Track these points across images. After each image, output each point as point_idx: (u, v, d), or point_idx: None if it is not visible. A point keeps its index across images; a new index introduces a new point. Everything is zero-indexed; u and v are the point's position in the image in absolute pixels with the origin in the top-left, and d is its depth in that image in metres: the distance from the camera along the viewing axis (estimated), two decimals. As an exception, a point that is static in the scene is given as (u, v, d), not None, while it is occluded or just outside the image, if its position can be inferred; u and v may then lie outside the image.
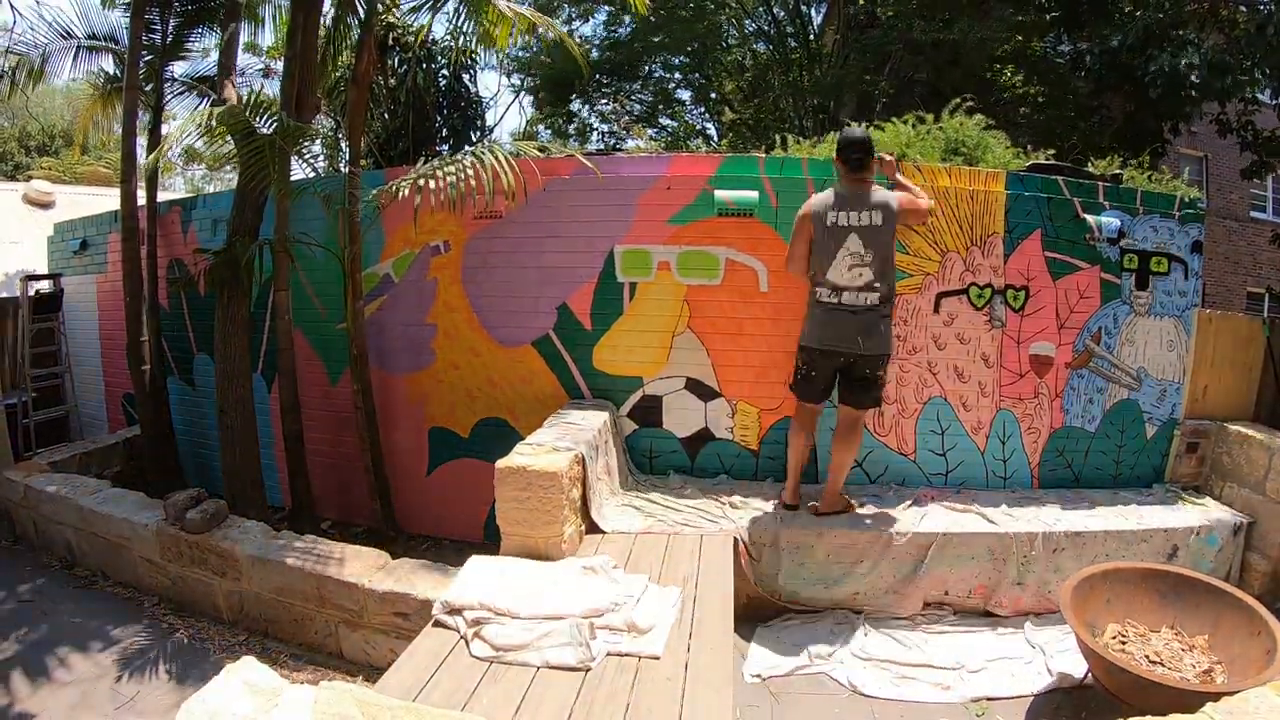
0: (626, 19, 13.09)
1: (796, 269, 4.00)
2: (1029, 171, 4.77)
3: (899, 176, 4.13)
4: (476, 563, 3.18)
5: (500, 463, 3.33)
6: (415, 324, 5.19)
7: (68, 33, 6.54)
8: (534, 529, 3.30)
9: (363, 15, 5.42)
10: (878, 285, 3.72)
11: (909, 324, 4.58)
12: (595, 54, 14.61)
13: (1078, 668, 3.35)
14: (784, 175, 4.56)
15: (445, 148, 9.65)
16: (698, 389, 4.73)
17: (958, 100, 5.65)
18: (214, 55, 6.23)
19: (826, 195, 3.81)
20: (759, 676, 3.43)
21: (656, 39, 13.09)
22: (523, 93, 15.92)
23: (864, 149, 3.80)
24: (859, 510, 4.10)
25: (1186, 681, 2.93)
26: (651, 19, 11.36)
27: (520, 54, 14.22)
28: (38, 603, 4.26)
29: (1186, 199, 4.81)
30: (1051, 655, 3.56)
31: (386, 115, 9.40)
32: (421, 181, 4.39)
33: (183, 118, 5.26)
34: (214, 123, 4.12)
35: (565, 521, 3.35)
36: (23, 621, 4.03)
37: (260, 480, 5.15)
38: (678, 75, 15.39)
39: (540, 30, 5.48)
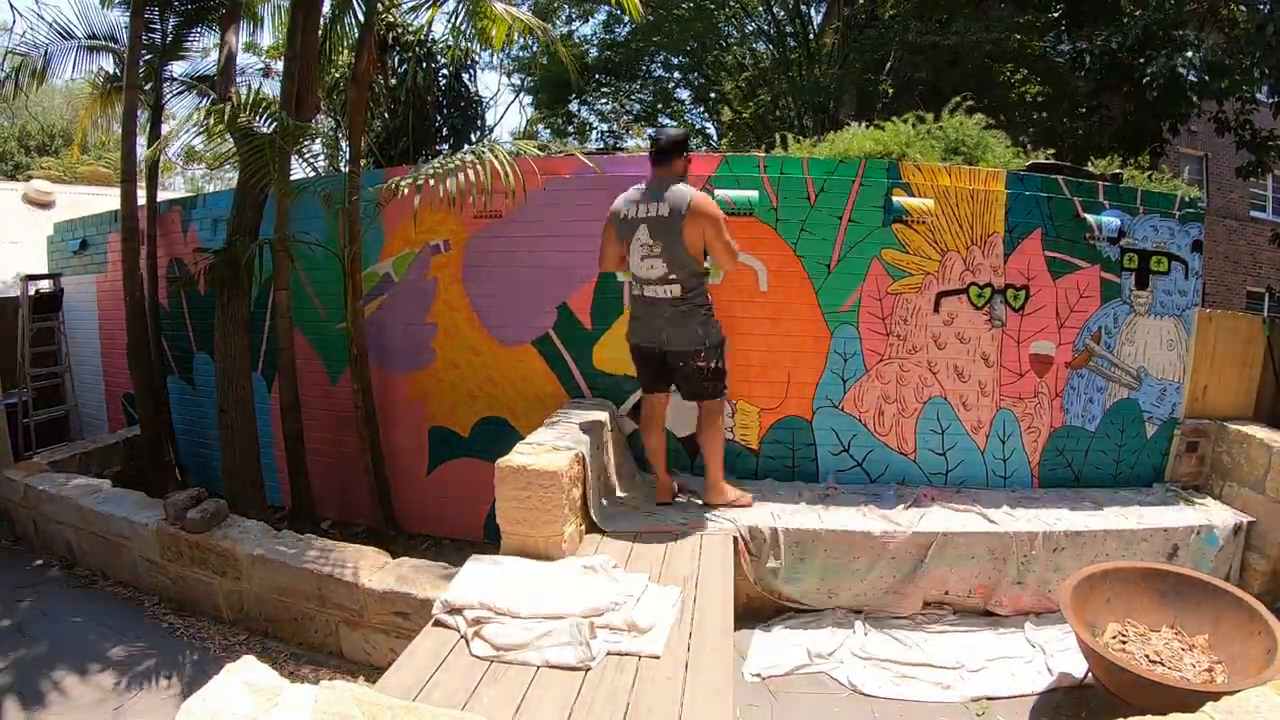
0: (626, 19, 13.09)
1: (604, 266, 4.07)
2: (1029, 171, 4.78)
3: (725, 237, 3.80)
4: (476, 562, 3.18)
5: (500, 462, 3.33)
6: (415, 323, 5.19)
7: (67, 33, 6.54)
8: (534, 528, 3.29)
9: (362, 15, 5.42)
10: (673, 276, 3.69)
11: (909, 323, 4.58)
12: (594, 53, 14.61)
13: (1078, 667, 3.35)
14: (784, 174, 4.55)
15: (445, 147, 9.64)
16: (698, 388, 4.72)
17: (957, 100, 5.65)
18: (214, 55, 6.23)
19: (630, 192, 3.83)
20: (759, 675, 3.43)
21: (655, 39, 13.09)
22: (522, 92, 15.92)
23: (667, 147, 3.78)
24: (753, 506, 4.10)
25: (1187, 681, 2.93)
26: (650, 19, 11.36)
27: (520, 54, 14.23)
28: (37, 602, 4.26)
29: (1186, 198, 4.82)
30: (1052, 655, 3.56)
31: (386, 115, 9.39)
32: (422, 180, 4.39)
33: (182, 117, 5.26)
34: (213, 120, 4.12)
35: (565, 521, 3.34)
36: (22, 622, 4.02)
37: (260, 480, 5.15)
38: (677, 75, 15.39)
39: (537, 34, 5.49)
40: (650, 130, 4.19)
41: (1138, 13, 6.42)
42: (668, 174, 3.77)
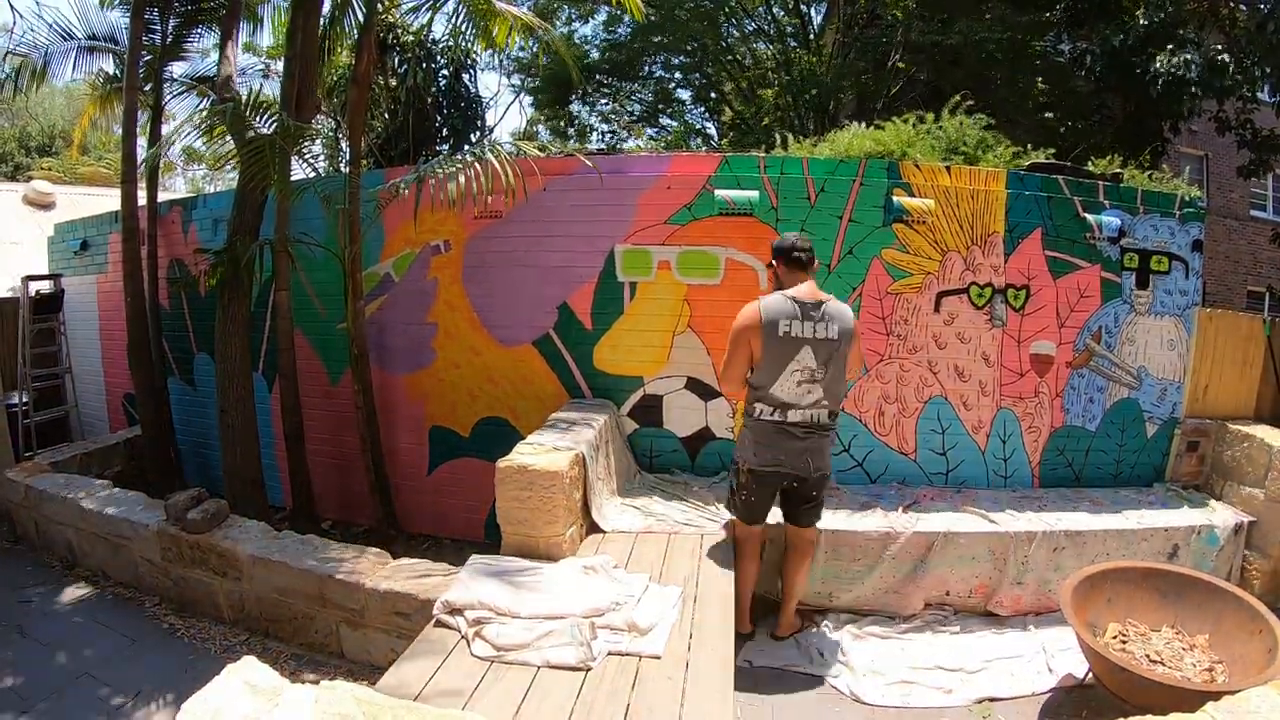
0: (625, 19, 13.09)
1: (730, 387, 3.50)
2: (1029, 171, 4.78)
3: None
4: (477, 562, 3.18)
5: (501, 462, 3.33)
6: (416, 323, 5.19)
7: (68, 34, 6.54)
8: (535, 528, 3.29)
9: (362, 16, 5.42)
10: (825, 403, 3.30)
11: (909, 323, 4.58)
12: (595, 54, 14.61)
13: (1079, 667, 3.35)
14: (784, 174, 4.56)
15: (445, 148, 9.64)
16: (698, 388, 4.73)
17: (957, 99, 5.65)
18: (213, 56, 6.23)
19: (780, 301, 3.29)
20: (749, 662, 3.44)
21: (656, 39, 13.09)
22: (523, 93, 15.92)
23: (811, 250, 3.43)
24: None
25: (1188, 681, 2.93)
26: (650, 18, 11.36)
27: (520, 54, 14.22)
28: (38, 603, 4.26)
29: (1186, 198, 4.82)
30: (1053, 655, 3.56)
31: (386, 115, 9.39)
32: (422, 180, 4.39)
33: (182, 118, 5.27)
34: (214, 120, 4.12)
35: (566, 521, 3.34)
36: (23, 623, 4.03)
37: (261, 480, 5.15)
38: (678, 75, 15.38)
39: (538, 33, 5.49)
40: (791, 236, 3.34)
41: (1139, 12, 6.42)
42: (810, 282, 3.35)
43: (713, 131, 16.85)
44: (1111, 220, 4.57)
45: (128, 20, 5.90)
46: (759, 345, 3.26)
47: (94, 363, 7.33)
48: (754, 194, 4.52)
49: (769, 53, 13.53)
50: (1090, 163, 5.44)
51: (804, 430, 3.29)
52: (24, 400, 6.66)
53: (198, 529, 4.01)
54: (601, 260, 4.74)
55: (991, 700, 3.30)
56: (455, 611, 2.76)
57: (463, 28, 5.31)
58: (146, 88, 6.33)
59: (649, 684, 2.40)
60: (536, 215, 4.82)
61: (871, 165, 4.57)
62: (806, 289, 3.29)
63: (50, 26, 6.43)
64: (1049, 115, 8.40)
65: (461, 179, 4.32)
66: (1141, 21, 6.31)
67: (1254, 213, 13.71)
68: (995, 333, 4.60)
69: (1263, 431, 4.41)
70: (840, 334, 3.24)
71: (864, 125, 5.76)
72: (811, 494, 3.44)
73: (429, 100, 9.28)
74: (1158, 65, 6.14)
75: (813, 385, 3.25)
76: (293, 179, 4.97)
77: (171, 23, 6.38)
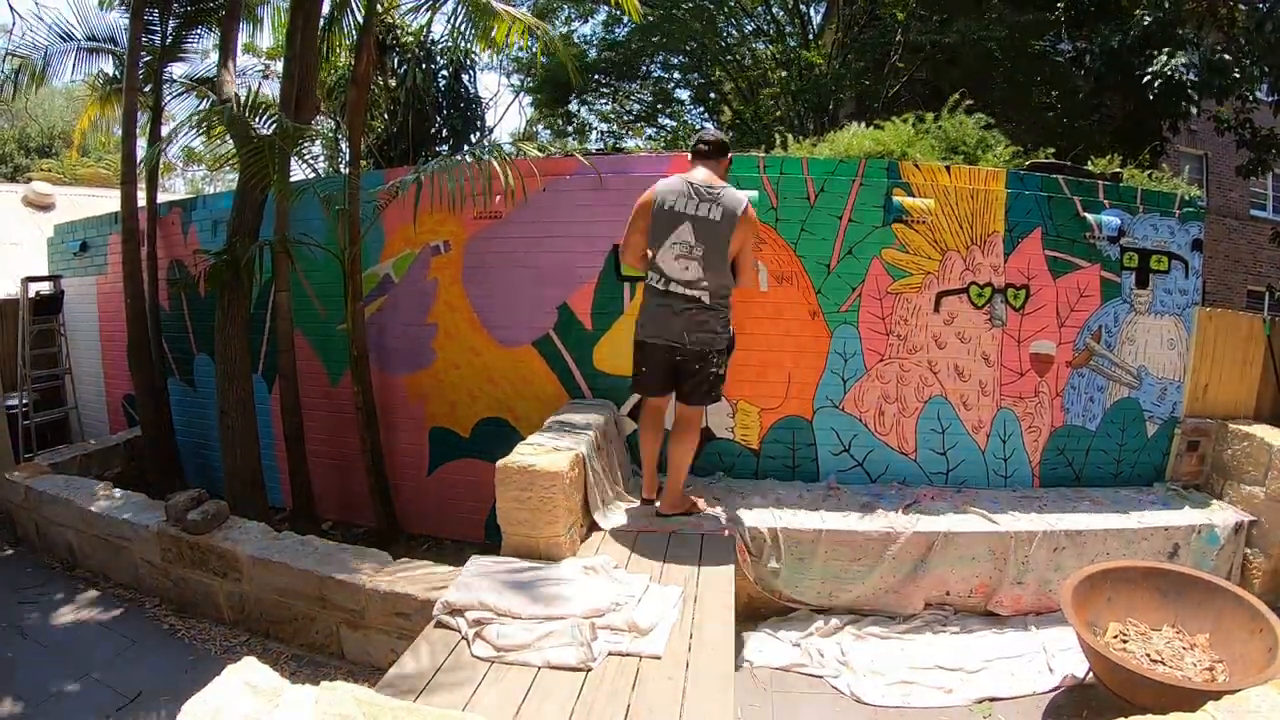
0: (625, 19, 13.09)
1: (629, 259, 3.79)
2: (1029, 170, 4.77)
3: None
4: (477, 563, 3.18)
5: (501, 462, 3.33)
6: (416, 324, 5.19)
7: (67, 35, 6.54)
8: (535, 528, 3.29)
9: (361, 16, 5.42)
10: (705, 283, 3.52)
11: (909, 323, 4.58)
12: (594, 53, 14.60)
13: (1079, 667, 3.35)
14: (784, 174, 4.55)
15: (445, 148, 9.64)
16: (698, 389, 4.72)
17: (955, 98, 5.65)
18: (213, 56, 6.24)
19: (675, 182, 3.57)
20: (750, 662, 3.44)
21: (655, 39, 13.08)
22: (522, 93, 15.91)
23: (719, 142, 3.71)
24: (707, 510, 3.96)
25: (1188, 680, 2.93)
26: (650, 19, 11.36)
27: (520, 55, 14.22)
28: (38, 604, 4.26)
29: (1186, 197, 4.81)
30: (1053, 654, 3.56)
31: (386, 116, 9.39)
32: (423, 179, 4.39)
33: (183, 117, 5.26)
34: (213, 120, 4.12)
35: (566, 521, 3.34)
36: (23, 624, 4.03)
37: (261, 481, 5.15)
38: (677, 75, 15.38)
39: (536, 33, 5.50)
40: (706, 125, 3.98)
41: (1137, 11, 6.42)
42: (717, 172, 3.61)
43: (712, 131, 16.83)
44: (1111, 220, 4.57)
45: (127, 21, 5.90)
46: (649, 219, 3.57)
47: (94, 364, 7.33)
48: (753, 194, 4.50)
49: (768, 52, 13.53)
50: (1090, 162, 5.44)
51: (682, 303, 3.53)
52: (24, 401, 6.66)
53: (198, 530, 4.01)
54: (601, 260, 4.74)
55: (992, 700, 3.30)
56: (456, 612, 2.76)
57: (462, 28, 5.31)
58: (146, 89, 6.34)
59: (649, 684, 2.40)
60: (536, 216, 4.82)
61: (871, 165, 4.57)
62: (703, 174, 3.57)
63: (50, 28, 6.43)
64: (1048, 115, 8.40)
65: (462, 181, 4.33)
66: (1143, 21, 6.31)
67: (1254, 212, 13.72)
68: (995, 332, 4.60)
69: (1263, 431, 4.41)
70: (724, 217, 3.46)
71: (863, 125, 5.76)
72: (694, 368, 3.62)
73: (428, 100, 9.29)
74: (1155, 67, 6.14)
75: (689, 261, 3.49)
76: (292, 180, 4.97)
77: (171, 24, 6.38)
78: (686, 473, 3.90)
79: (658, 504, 3.91)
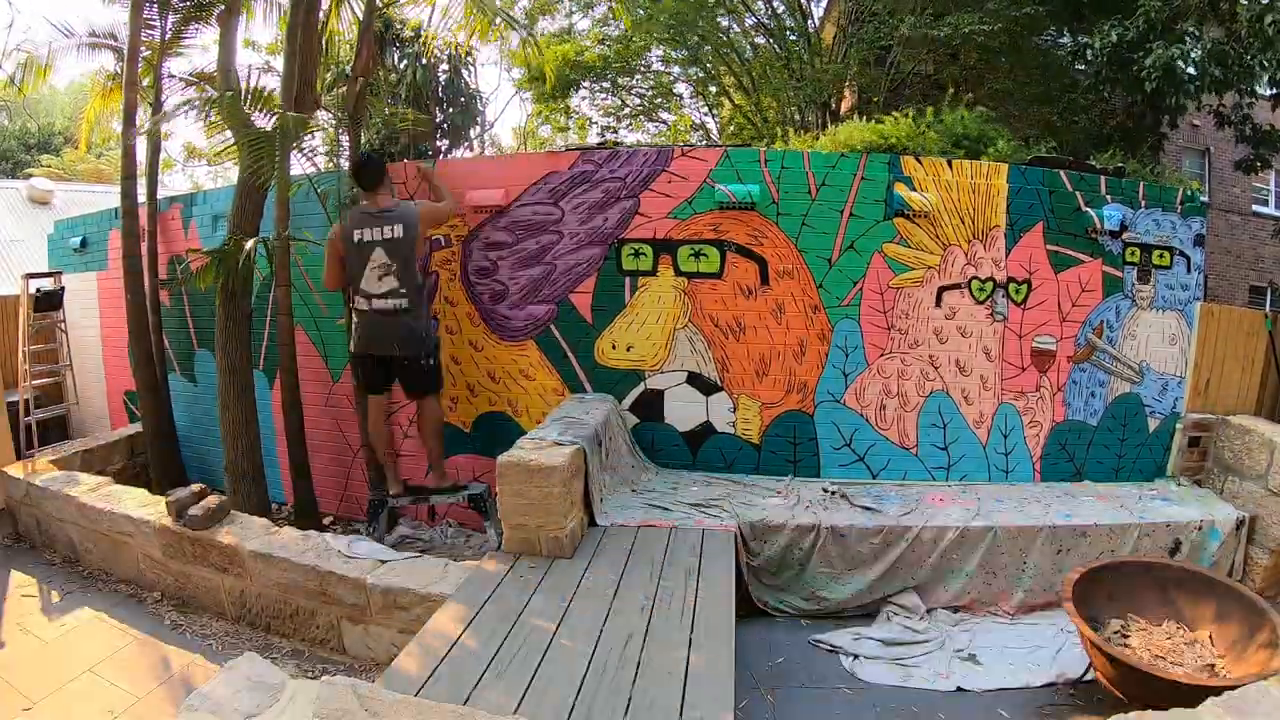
0: (621, 20, 13.05)
1: (331, 286, 4.55)
2: (1031, 164, 4.76)
3: (434, 180, 4.69)
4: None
5: (502, 457, 3.33)
6: (416, 320, 5.18)
7: (68, 31, 6.53)
8: (536, 523, 3.30)
9: (361, 11, 5.41)
10: (403, 290, 4.16)
11: (910, 317, 4.57)
12: (596, 49, 14.52)
13: (1080, 661, 3.35)
14: (785, 168, 4.54)
15: (445, 143, 9.63)
16: (699, 383, 4.73)
17: (953, 92, 5.63)
18: (213, 51, 6.22)
19: (357, 215, 4.22)
20: (750, 658, 3.44)
21: (655, 35, 13.03)
22: (521, 90, 15.85)
23: (377, 166, 4.26)
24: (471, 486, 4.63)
25: (1189, 675, 2.93)
26: (642, 12, 11.34)
27: (517, 49, 14.15)
28: (40, 601, 4.27)
29: (1188, 192, 4.80)
30: (1054, 649, 3.56)
31: (386, 110, 9.38)
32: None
33: (183, 101, 5.25)
34: (212, 109, 4.13)
35: (567, 515, 3.35)
36: (24, 621, 4.03)
37: (262, 476, 5.15)
38: (676, 69, 15.32)
39: (521, 34, 5.53)
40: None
41: (1138, 7, 6.38)
42: (388, 191, 4.26)
43: (712, 126, 16.80)
44: (1113, 214, 4.55)
45: (127, 17, 5.89)
46: (343, 251, 4.25)
47: (95, 360, 7.33)
48: (754, 187, 4.50)
49: (768, 46, 13.49)
50: (1091, 157, 5.43)
51: (389, 316, 4.18)
52: (25, 397, 6.66)
53: (199, 525, 4.01)
54: (602, 255, 4.74)
55: (991, 691, 3.29)
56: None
57: (457, 27, 5.32)
58: (145, 84, 6.32)
59: (650, 678, 2.40)
60: (536, 210, 4.81)
61: (872, 159, 4.56)
62: (377, 200, 4.20)
63: (52, 25, 6.43)
64: (1048, 109, 8.37)
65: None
66: (1148, 11, 6.27)
67: (1256, 208, 13.67)
68: (996, 327, 4.59)
69: (1264, 426, 4.40)
70: (405, 230, 4.11)
71: (864, 119, 5.75)
72: (410, 369, 4.34)
73: (428, 95, 9.27)
74: (1151, 60, 6.11)
75: (388, 276, 4.13)
76: (292, 174, 4.96)
77: (171, 19, 6.36)
78: (442, 449, 4.61)
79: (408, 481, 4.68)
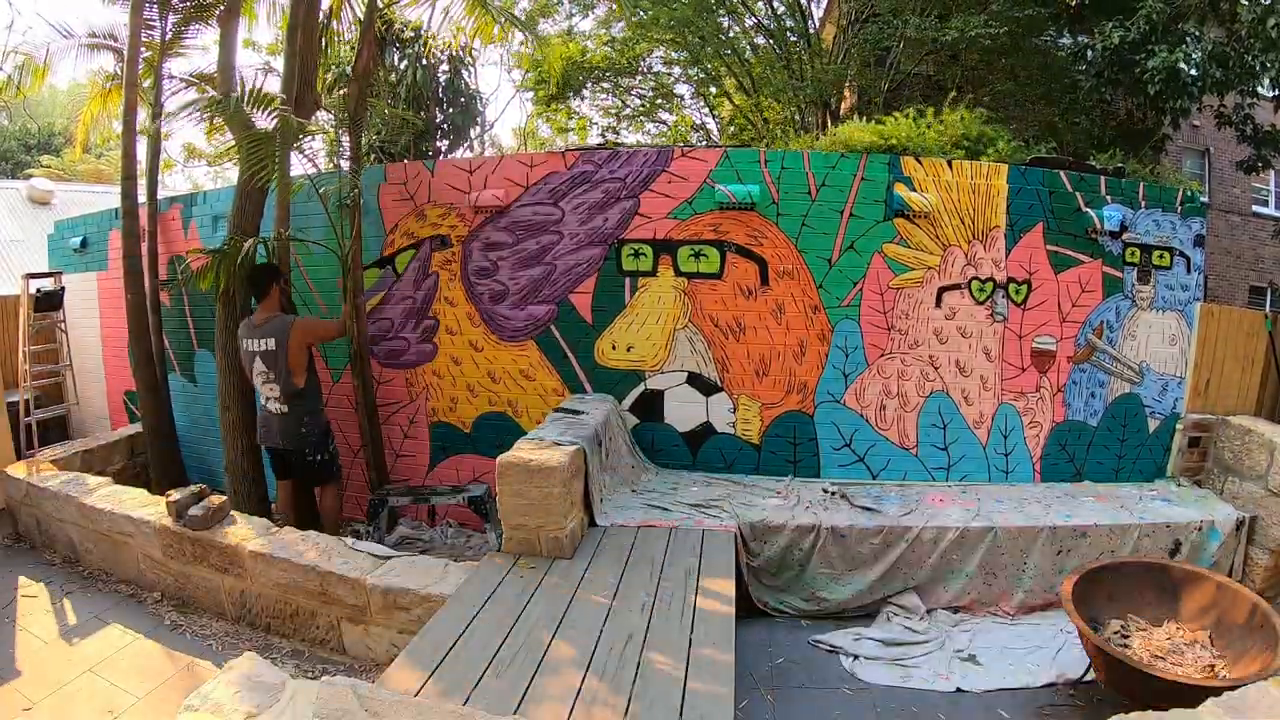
0: (623, 17, 13.05)
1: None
2: (1032, 165, 4.76)
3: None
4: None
5: (502, 458, 3.33)
6: (416, 319, 5.18)
7: (68, 32, 6.53)
8: (536, 523, 3.30)
9: (361, 12, 5.41)
10: (280, 396, 4.42)
11: (910, 318, 4.57)
12: (598, 51, 14.53)
13: (1080, 662, 3.35)
14: (785, 168, 4.55)
15: (445, 143, 9.63)
16: (699, 383, 4.73)
17: (954, 93, 5.63)
18: (214, 52, 6.22)
19: (243, 327, 4.54)
20: (750, 657, 3.45)
21: (655, 35, 13.03)
22: (522, 89, 15.86)
23: (262, 278, 4.52)
24: None
25: (1189, 676, 2.93)
26: (644, 14, 11.34)
27: (520, 49, 14.17)
28: (40, 601, 4.27)
29: (1188, 192, 4.80)
30: (1053, 649, 3.56)
31: (386, 111, 9.37)
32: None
33: (183, 103, 5.26)
34: (214, 111, 4.12)
35: (567, 515, 3.35)
36: (24, 621, 4.03)
37: (262, 476, 5.15)
38: (676, 70, 15.33)
39: (522, 34, 5.53)
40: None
41: (1140, 8, 6.38)
42: (270, 303, 4.50)
43: (713, 126, 16.81)
44: (1113, 215, 4.56)
45: (127, 17, 5.89)
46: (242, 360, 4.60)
47: (95, 360, 7.33)
48: (754, 188, 4.51)
49: (769, 47, 13.49)
50: (1092, 157, 5.43)
51: (275, 418, 4.50)
52: (25, 397, 6.66)
53: (199, 525, 4.01)
54: (602, 255, 4.74)
55: (990, 692, 3.29)
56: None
57: (459, 28, 5.32)
58: (146, 84, 6.32)
59: (650, 679, 2.40)
60: (537, 211, 4.82)
61: (872, 159, 4.56)
62: (259, 314, 4.50)
63: (51, 25, 6.43)
64: (1049, 110, 8.38)
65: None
66: (1149, 12, 6.27)
67: (1256, 208, 13.67)
68: (996, 327, 4.59)
69: (1264, 427, 4.40)
70: (277, 344, 4.37)
71: (864, 120, 5.75)
72: (299, 461, 4.59)
73: (427, 95, 9.27)
74: (1155, 62, 6.11)
75: (269, 383, 4.44)
76: (293, 175, 4.96)
77: (171, 19, 6.36)
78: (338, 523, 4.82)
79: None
